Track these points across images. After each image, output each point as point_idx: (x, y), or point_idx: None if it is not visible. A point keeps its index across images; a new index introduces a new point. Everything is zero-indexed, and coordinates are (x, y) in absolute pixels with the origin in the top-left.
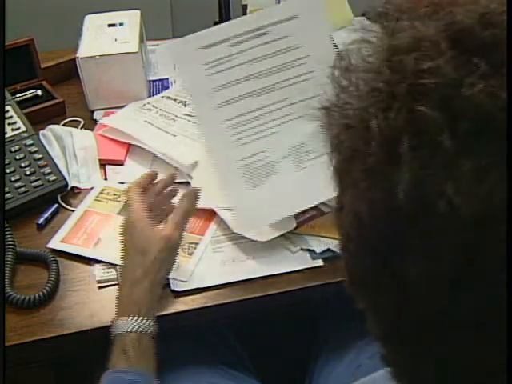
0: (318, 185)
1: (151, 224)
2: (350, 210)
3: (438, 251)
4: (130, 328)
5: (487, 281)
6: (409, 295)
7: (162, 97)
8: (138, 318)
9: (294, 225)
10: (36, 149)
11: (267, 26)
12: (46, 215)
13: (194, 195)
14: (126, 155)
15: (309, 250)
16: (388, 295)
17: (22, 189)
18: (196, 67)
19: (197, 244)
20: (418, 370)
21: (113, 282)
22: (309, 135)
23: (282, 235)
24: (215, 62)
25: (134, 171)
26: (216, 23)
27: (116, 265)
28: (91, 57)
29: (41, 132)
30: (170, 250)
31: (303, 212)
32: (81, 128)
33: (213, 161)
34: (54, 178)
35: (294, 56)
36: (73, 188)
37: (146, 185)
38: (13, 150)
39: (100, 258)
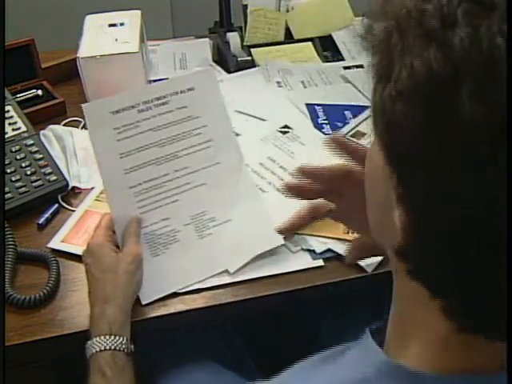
0: (221, 252)
1: (113, 247)
2: (401, 72)
3: (490, 95)
4: (103, 347)
5: None
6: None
7: None
8: (111, 336)
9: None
10: (36, 149)
11: (169, 95)
12: (47, 215)
13: (137, 221)
14: None
15: (309, 250)
16: (439, 146)
17: (23, 189)
18: (107, 131)
19: None
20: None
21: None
22: (210, 203)
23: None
24: (124, 127)
25: None
26: (216, 23)
27: None
28: (92, 57)
29: (41, 132)
30: (137, 265)
31: None
32: (81, 128)
33: (117, 227)
34: (54, 177)
35: (192, 126)
36: (73, 188)
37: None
38: (13, 149)
39: None
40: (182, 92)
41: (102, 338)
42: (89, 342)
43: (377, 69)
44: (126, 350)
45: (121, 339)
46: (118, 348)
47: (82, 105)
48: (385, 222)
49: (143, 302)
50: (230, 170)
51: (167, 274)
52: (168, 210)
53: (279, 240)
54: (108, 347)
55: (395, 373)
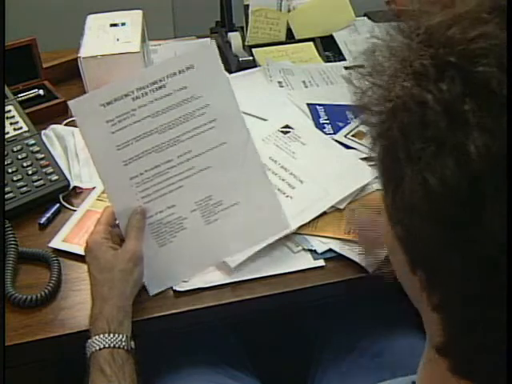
0: (229, 237)
1: (111, 244)
2: (412, 184)
3: None
4: (102, 345)
5: None
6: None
7: None
8: (109, 334)
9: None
10: (38, 148)
11: (165, 77)
12: (48, 215)
13: (141, 212)
14: None
15: (310, 250)
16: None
17: (24, 188)
18: (99, 125)
19: None
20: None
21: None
22: (216, 187)
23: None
24: (118, 117)
25: None
26: (218, 23)
27: None
28: (93, 57)
29: (43, 132)
30: (135, 262)
31: None
32: None
33: (120, 220)
34: (55, 177)
35: (194, 106)
36: (74, 188)
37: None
38: (15, 149)
39: None
40: (180, 72)
41: (101, 336)
42: (89, 341)
43: (383, 169)
44: (125, 348)
45: (120, 337)
46: (117, 346)
47: (69, 102)
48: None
49: (151, 293)
50: (236, 149)
51: (175, 263)
52: (173, 197)
53: (289, 227)
54: (107, 345)
55: None
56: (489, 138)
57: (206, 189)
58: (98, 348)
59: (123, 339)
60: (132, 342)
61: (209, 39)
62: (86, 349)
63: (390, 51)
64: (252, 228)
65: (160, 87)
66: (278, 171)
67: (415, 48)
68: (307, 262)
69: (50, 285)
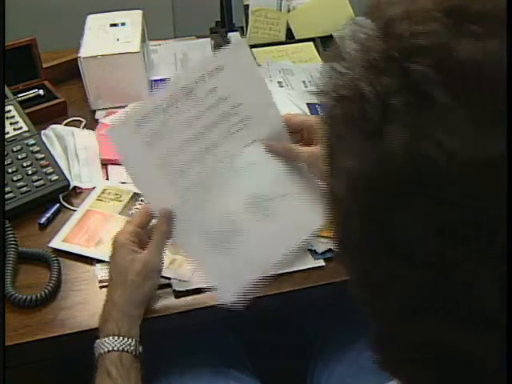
0: (289, 227)
1: (134, 247)
2: (346, 175)
3: (440, 196)
4: (111, 347)
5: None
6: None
7: None
8: (119, 336)
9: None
10: (38, 148)
11: (194, 82)
12: (48, 215)
13: (167, 217)
14: None
15: (310, 250)
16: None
17: (24, 188)
18: (136, 143)
19: None
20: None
21: None
22: (262, 183)
23: None
24: (153, 132)
25: None
26: (218, 23)
27: None
28: (93, 57)
29: (43, 132)
30: (148, 273)
31: None
32: (83, 128)
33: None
34: (55, 177)
35: (226, 107)
36: (74, 188)
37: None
38: (15, 149)
39: (101, 258)
40: (209, 75)
41: (111, 338)
42: (97, 342)
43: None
44: (133, 352)
45: (129, 340)
46: (125, 349)
47: (107, 131)
48: None
49: (220, 302)
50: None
51: (237, 270)
52: (220, 203)
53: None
54: (116, 348)
55: None
56: (409, 136)
57: (249, 188)
58: (106, 350)
59: (132, 343)
60: (140, 347)
61: (209, 39)
62: (94, 349)
63: (356, 39)
64: (303, 219)
65: (189, 92)
66: None
67: (373, 39)
68: (307, 262)
69: (50, 285)
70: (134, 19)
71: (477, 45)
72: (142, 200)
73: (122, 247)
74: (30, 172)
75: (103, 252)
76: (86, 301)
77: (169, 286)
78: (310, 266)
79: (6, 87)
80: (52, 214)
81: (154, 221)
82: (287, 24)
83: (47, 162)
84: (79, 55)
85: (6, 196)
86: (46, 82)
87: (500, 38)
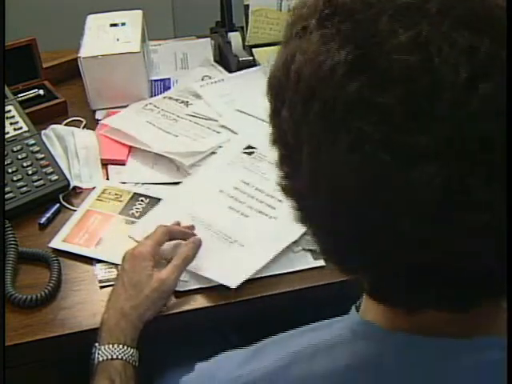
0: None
1: (153, 264)
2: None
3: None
4: (116, 355)
5: None
6: None
7: (164, 97)
8: (124, 346)
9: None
10: (38, 148)
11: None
12: (48, 215)
13: (196, 245)
14: (127, 155)
15: (310, 250)
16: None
17: (24, 188)
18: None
19: None
20: None
21: (114, 282)
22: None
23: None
24: None
25: (135, 171)
26: (218, 23)
27: (117, 265)
28: (93, 57)
29: (43, 132)
30: (162, 292)
31: None
32: (83, 128)
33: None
34: (55, 177)
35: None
36: (74, 188)
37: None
38: (15, 149)
39: (101, 258)
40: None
41: (116, 346)
42: (100, 347)
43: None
44: (134, 363)
45: (132, 351)
46: (128, 360)
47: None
48: None
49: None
50: None
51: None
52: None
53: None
54: (120, 357)
55: (365, 329)
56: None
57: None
58: (109, 357)
59: (135, 354)
60: (137, 359)
61: (209, 39)
62: (93, 354)
63: None
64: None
65: None
66: (254, 194)
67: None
68: (307, 262)
69: (50, 285)
70: (134, 19)
71: None
72: (142, 200)
73: (144, 260)
74: (30, 172)
75: (103, 252)
76: (86, 301)
77: None
78: (310, 266)
79: (6, 87)
80: (52, 214)
81: (173, 241)
82: None
83: (47, 162)
84: (79, 55)
85: (6, 196)
86: (46, 82)
87: None
